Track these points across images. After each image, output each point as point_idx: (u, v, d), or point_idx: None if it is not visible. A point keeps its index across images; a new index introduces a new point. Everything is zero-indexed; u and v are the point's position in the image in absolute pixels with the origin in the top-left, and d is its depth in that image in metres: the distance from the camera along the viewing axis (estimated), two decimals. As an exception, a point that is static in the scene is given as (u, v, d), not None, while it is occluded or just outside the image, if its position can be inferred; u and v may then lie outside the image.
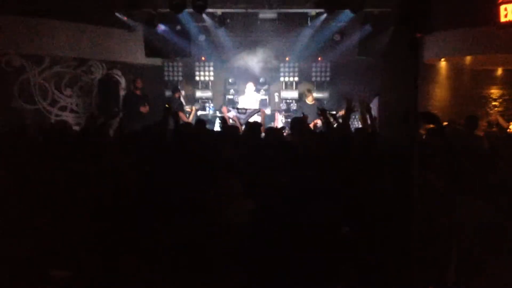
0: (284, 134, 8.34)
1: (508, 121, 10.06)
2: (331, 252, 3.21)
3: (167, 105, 7.27)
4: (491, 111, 11.85)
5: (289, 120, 12.45)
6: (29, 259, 3.30)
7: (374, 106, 11.57)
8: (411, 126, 1.48)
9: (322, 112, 7.24)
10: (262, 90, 14.27)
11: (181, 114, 11.77)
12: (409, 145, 1.47)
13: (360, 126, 7.52)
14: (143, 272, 3.35)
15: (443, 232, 3.30)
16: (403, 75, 1.60)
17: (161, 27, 11.87)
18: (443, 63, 12.55)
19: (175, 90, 12.60)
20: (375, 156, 3.90)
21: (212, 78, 14.19)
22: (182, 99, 12.94)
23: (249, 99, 12.99)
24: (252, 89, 12.90)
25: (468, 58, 11.93)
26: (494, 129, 9.31)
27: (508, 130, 9.32)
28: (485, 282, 3.14)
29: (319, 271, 3.35)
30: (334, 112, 9.95)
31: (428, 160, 4.78)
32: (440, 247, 3.21)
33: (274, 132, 7.22)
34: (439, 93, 12.72)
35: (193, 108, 12.89)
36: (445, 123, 9.93)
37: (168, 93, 13.82)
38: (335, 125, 7.00)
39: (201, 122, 7.82)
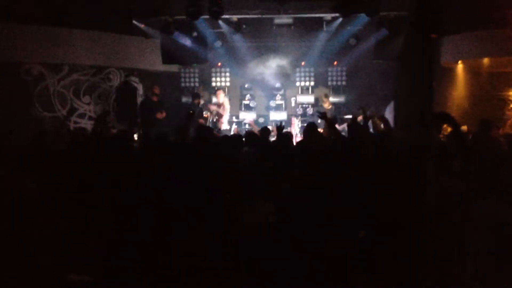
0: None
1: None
2: (347, 254, 3.23)
3: (191, 112, 7.35)
4: (510, 113, 11.73)
5: (305, 124, 12.48)
6: (47, 263, 3.35)
7: (390, 109, 11.57)
8: (426, 127, 1.49)
9: (323, 115, 7.29)
10: (278, 95, 14.31)
11: (200, 121, 11.85)
12: (425, 146, 1.47)
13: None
14: (160, 275, 3.39)
15: (460, 234, 3.29)
16: (418, 77, 1.61)
17: (187, 41, 12.00)
18: (460, 66, 12.45)
19: (195, 96, 12.64)
20: (390, 159, 3.91)
21: (228, 84, 14.28)
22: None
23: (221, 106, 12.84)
24: (223, 96, 12.79)
25: (485, 61, 11.83)
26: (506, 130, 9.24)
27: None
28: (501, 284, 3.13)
29: (333, 272, 3.36)
30: (349, 116, 9.99)
31: (447, 162, 4.76)
32: (456, 249, 3.21)
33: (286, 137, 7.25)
34: (457, 96, 12.62)
35: (208, 114, 12.96)
36: (463, 127, 9.89)
37: (184, 99, 13.92)
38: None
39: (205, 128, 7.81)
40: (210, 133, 7.61)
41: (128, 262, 3.58)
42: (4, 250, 3.29)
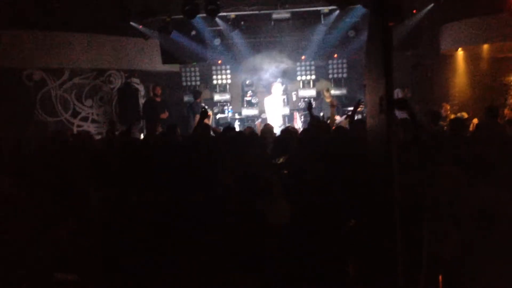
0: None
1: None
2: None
3: (203, 109, 7.47)
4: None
5: (308, 119, 12.47)
6: (34, 262, 3.38)
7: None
8: (385, 114, 1.50)
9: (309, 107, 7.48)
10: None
11: (205, 120, 11.82)
12: (385, 134, 1.48)
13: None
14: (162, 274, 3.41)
15: (453, 218, 3.31)
16: (380, 66, 1.63)
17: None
18: (460, 53, 12.42)
19: (197, 95, 12.69)
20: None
21: (229, 81, 14.30)
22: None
23: (276, 100, 12.78)
24: (280, 89, 12.61)
25: (485, 47, 11.78)
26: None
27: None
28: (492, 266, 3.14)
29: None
30: (350, 109, 10.03)
31: (446, 150, 4.77)
32: (448, 232, 3.23)
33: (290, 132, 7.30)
34: (458, 83, 12.59)
35: (210, 112, 12.96)
36: (464, 114, 9.87)
37: (186, 98, 13.95)
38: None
39: (231, 129, 7.93)
40: (209, 132, 7.70)
41: (130, 260, 3.61)
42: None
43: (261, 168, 4.74)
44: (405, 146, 3.84)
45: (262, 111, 13.91)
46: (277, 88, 12.45)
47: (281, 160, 5.19)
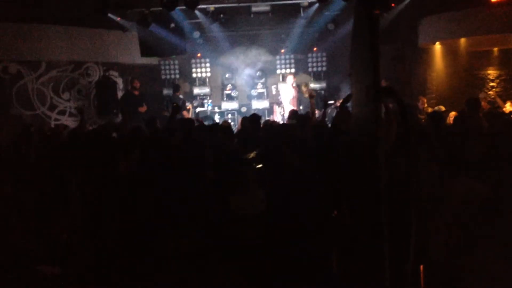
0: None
1: (504, 101, 10.06)
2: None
3: (175, 104, 7.45)
4: (489, 92, 11.84)
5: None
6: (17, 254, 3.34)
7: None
8: (373, 103, 1.50)
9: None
10: (259, 84, 14.26)
11: (184, 113, 11.78)
12: (373, 122, 1.48)
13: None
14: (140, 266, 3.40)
15: (434, 209, 3.35)
16: (366, 55, 1.63)
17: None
18: (438, 47, 12.54)
19: (177, 88, 12.61)
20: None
21: (209, 74, 14.21)
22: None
23: (290, 90, 12.65)
24: (292, 79, 12.48)
25: (462, 40, 11.92)
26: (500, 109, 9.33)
27: (504, 110, 9.33)
28: (476, 258, 3.19)
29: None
30: (331, 102, 10.08)
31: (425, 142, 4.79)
32: (430, 222, 3.27)
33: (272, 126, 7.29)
34: (436, 77, 12.72)
35: (190, 105, 12.92)
36: (441, 107, 9.97)
37: (166, 91, 13.85)
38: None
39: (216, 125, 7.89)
40: (193, 125, 7.65)
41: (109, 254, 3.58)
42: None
43: (237, 160, 4.73)
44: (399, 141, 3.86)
45: (242, 104, 13.89)
46: (290, 78, 12.38)
47: (251, 155, 5.18)
